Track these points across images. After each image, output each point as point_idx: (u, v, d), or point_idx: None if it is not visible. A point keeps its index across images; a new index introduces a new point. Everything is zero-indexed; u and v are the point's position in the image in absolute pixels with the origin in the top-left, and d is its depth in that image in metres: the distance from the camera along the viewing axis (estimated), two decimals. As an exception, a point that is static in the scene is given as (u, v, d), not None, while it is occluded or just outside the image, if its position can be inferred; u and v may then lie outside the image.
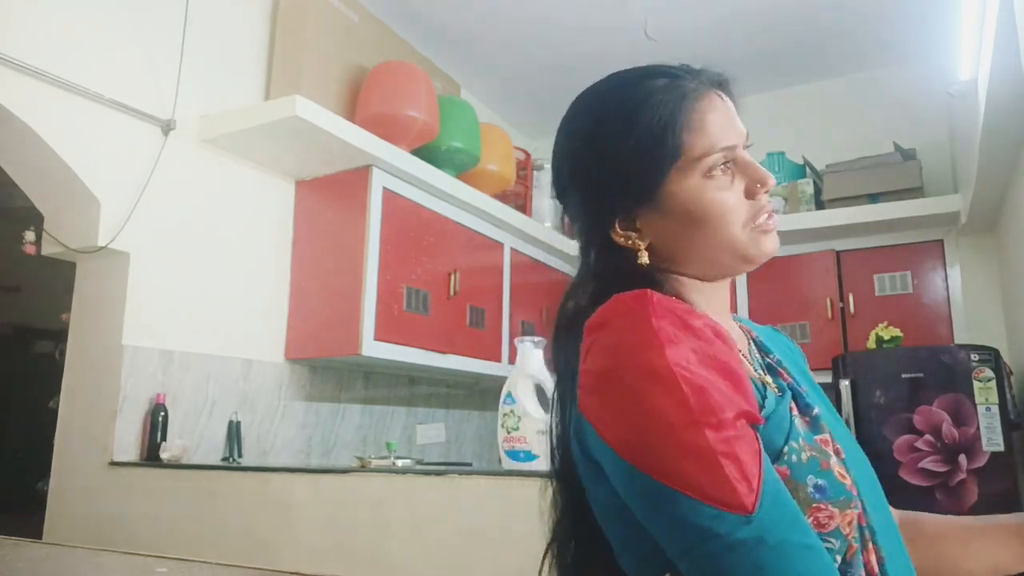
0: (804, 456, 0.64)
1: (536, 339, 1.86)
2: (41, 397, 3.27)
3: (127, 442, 2.21)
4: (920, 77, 3.59)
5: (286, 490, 1.96)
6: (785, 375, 0.76)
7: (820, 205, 3.51)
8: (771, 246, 0.74)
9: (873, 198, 3.35)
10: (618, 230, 0.74)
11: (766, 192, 0.74)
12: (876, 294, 3.38)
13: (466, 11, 3.27)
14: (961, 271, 3.28)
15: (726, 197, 0.72)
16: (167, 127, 2.37)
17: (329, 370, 2.90)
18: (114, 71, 2.25)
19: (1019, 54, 1.75)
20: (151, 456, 2.20)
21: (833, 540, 0.63)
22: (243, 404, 2.53)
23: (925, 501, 2.62)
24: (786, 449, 0.64)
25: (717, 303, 0.76)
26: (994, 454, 2.56)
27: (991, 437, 2.58)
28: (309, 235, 2.79)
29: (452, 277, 2.98)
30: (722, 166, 0.72)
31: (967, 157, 2.95)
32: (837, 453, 0.68)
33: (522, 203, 3.72)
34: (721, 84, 0.79)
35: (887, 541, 0.68)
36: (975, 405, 2.61)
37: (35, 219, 2.32)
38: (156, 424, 2.22)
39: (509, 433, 1.81)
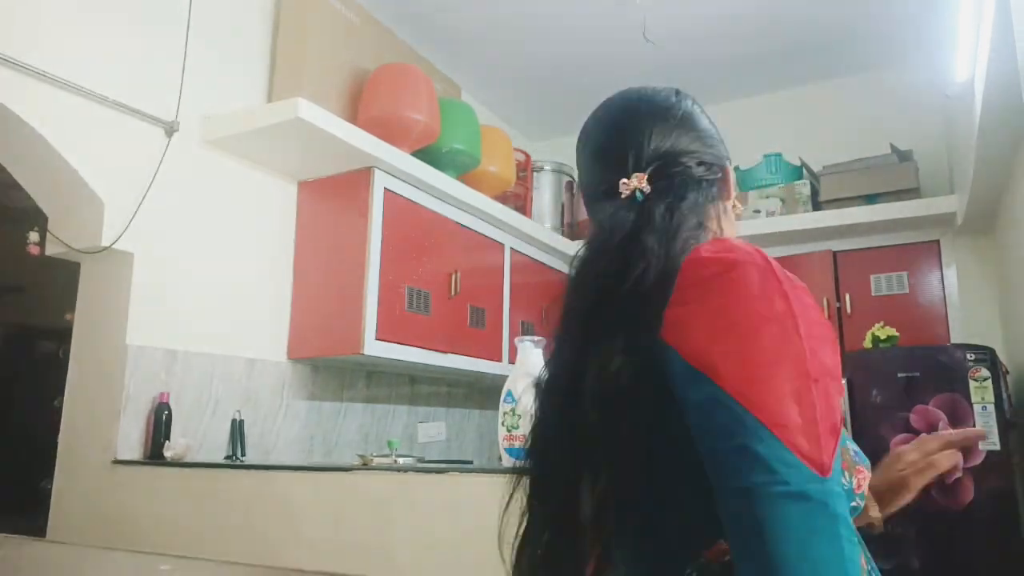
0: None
1: (536, 339, 1.88)
2: (45, 396, 3.29)
3: (131, 441, 2.22)
4: (916, 79, 3.60)
5: (288, 488, 1.98)
6: None
7: (817, 206, 3.53)
8: None
9: (870, 199, 3.37)
10: (731, 175, 0.85)
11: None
12: (873, 294, 3.39)
13: (467, 13, 3.29)
14: (957, 271, 3.30)
15: None
16: (170, 128, 2.38)
17: (331, 369, 2.92)
18: (118, 73, 2.26)
19: (1015, 56, 1.77)
20: (154, 455, 2.21)
21: (860, 500, 0.69)
22: (246, 403, 2.55)
23: (922, 500, 2.63)
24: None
25: None
26: (991, 453, 2.58)
27: (987, 436, 2.60)
28: (311, 236, 2.81)
29: (453, 277, 3.00)
30: None
31: (963, 158, 2.97)
32: None
33: (522, 204, 3.74)
34: None
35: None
36: (971, 404, 2.63)
37: (39, 220, 2.33)
38: (159, 423, 2.24)
39: (509, 431, 1.83)
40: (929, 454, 0.93)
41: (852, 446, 0.69)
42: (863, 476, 0.68)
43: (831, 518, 0.55)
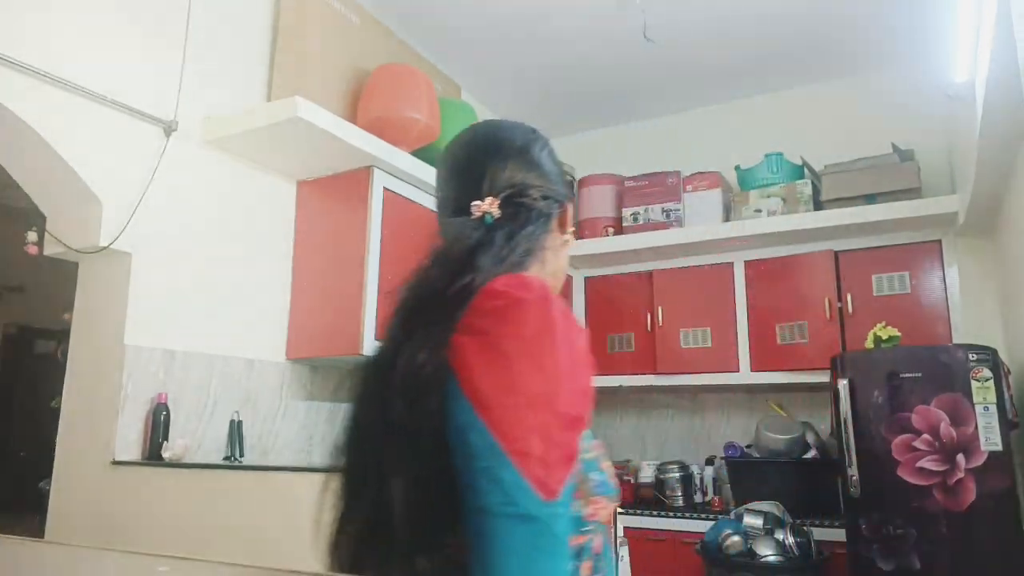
0: (592, 454, 0.76)
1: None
2: (43, 396, 3.29)
3: (129, 441, 2.22)
4: (918, 79, 3.60)
5: (287, 489, 1.97)
6: None
7: (818, 206, 3.52)
8: None
9: (871, 199, 3.36)
10: (567, 210, 0.93)
11: None
12: (874, 294, 3.39)
13: (467, 13, 3.28)
14: (959, 271, 3.29)
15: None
16: (169, 128, 2.38)
17: (330, 369, 2.91)
18: (117, 72, 2.26)
19: (1016, 55, 1.76)
20: (153, 455, 2.21)
21: (594, 527, 0.75)
22: (244, 403, 2.55)
23: (923, 500, 2.63)
24: (584, 446, 0.73)
25: None
26: (992, 453, 2.57)
27: (989, 436, 2.59)
28: (310, 235, 2.81)
29: (452, 277, 2.99)
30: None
31: (965, 158, 2.96)
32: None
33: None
34: None
35: (605, 528, 0.80)
36: (973, 404, 2.62)
37: (37, 219, 2.33)
38: (158, 423, 2.23)
39: (509, 432, 1.82)
40: None
41: (597, 478, 0.76)
42: (600, 506, 0.74)
43: (552, 538, 0.64)
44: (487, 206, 0.85)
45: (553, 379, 0.67)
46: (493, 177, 0.89)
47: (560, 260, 0.93)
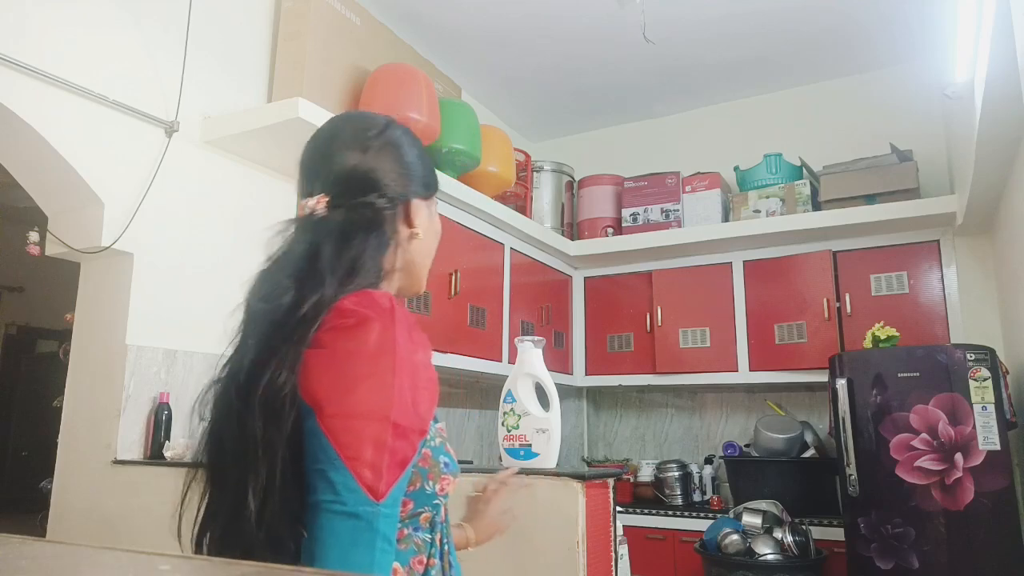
0: (438, 441, 0.85)
1: (536, 339, 1.88)
2: (45, 396, 3.29)
3: (130, 441, 2.23)
4: (916, 79, 3.61)
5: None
6: None
7: (817, 206, 3.53)
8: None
9: (869, 199, 3.37)
10: (412, 208, 0.92)
11: None
12: (872, 294, 3.40)
13: (467, 14, 3.29)
14: (957, 271, 3.30)
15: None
16: (170, 128, 2.39)
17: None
18: (117, 73, 2.27)
19: (1015, 56, 1.77)
20: (155, 455, 2.22)
21: (443, 500, 0.86)
22: (245, 403, 2.55)
23: (922, 499, 2.64)
24: (431, 434, 0.83)
25: None
26: (990, 452, 2.58)
27: (987, 436, 2.60)
28: (311, 236, 2.81)
29: (453, 277, 3.00)
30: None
31: (963, 158, 2.97)
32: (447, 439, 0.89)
33: (522, 204, 3.75)
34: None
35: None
36: (971, 404, 2.63)
37: (39, 220, 2.33)
38: (159, 423, 2.24)
39: (509, 431, 1.83)
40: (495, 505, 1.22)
41: (444, 458, 0.84)
42: (447, 482, 0.84)
43: (373, 534, 0.70)
44: (314, 203, 0.87)
45: (388, 393, 0.73)
46: (326, 172, 0.90)
47: (415, 258, 0.94)
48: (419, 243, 0.94)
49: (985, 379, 2.64)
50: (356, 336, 0.76)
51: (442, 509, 0.88)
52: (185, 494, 0.85)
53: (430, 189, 0.96)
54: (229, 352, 0.86)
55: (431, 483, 0.82)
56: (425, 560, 0.84)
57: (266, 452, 0.75)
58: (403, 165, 0.92)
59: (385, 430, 0.72)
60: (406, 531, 0.82)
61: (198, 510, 0.84)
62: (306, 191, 0.90)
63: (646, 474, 3.85)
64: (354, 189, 0.88)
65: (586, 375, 4.06)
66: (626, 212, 3.95)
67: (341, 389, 0.74)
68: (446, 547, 0.89)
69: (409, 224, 0.92)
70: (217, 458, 0.82)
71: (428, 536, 0.85)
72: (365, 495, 0.70)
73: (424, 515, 0.84)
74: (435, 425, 0.85)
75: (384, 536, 0.72)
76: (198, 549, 0.82)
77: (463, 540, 1.16)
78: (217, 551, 0.80)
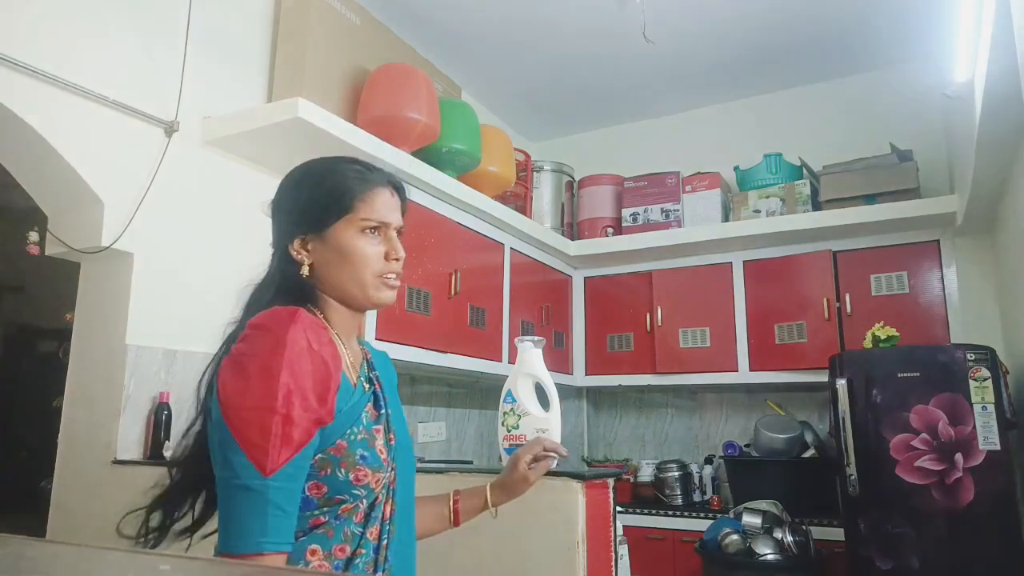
0: (359, 436, 0.97)
1: (536, 338, 1.88)
2: (45, 396, 3.29)
3: (130, 441, 2.23)
4: (916, 79, 3.61)
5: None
6: (377, 385, 1.08)
7: (817, 206, 3.53)
8: (386, 298, 1.08)
9: (869, 199, 3.37)
10: (295, 245, 1.08)
11: (397, 261, 1.08)
12: (872, 294, 3.40)
13: (467, 14, 3.29)
14: (957, 271, 3.30)
15: (368, 250, 1.06)
16: (170, 128, 2.39)
17: (330, 369, 2.92)
18: (117, 73, 2.27)
19: (1015, 56, 1.77)
20: (154, 454, 2.22)
21: (363, 490, 0.96)
22: (245, 403, 2.55)
23: (922, 499, 2.64)
24: (350, 430, 0.96)
25: (348, 326, 1.09)
26: (990, 452, 2.58)
27: (987, 436, 2.60)
28: (310, 236, 2.81)
29: (453, 277, 3.00)
30: (371, 230, 1.06)
31: (963, 158, 2.97)
32: (388, 440, 1.02)
33: (522, 204, 3.75)
34: (396, 186, 1.13)
35: (402, 500, 1.04)
36: (971, 404, 2.64)
37: (39, 220, 2.33)
38: (159, 423, 2.24)
39: (509, 431, 1.82)
40: (536, 456, 1.29)
41: (363, 452, 0.96)
42: (363, 474, 0.96)
43: (264, 503, 0.84)
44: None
45: (274, 387, 0.87)
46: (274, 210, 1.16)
47: (326, 280, 1.07)
48: (323, 270, 1.07)
49: (985, 379, 2.64)
50: (250, 343, 0.92)
51: (381, 507, 0.99)
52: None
53: (317, 224, 1.07)
54: None
55: (343, 471, 0.94)
56: (350, 550, 0.95)
57: (197, 439, 1.02)
58: (287, 211, 1.12)
59: (271, 417, 0.86)
60: (323, 519, 0.95)
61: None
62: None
63: (646, 474, 3.85)
64: (272, 234, 1.14)
65: (586, 375, 4.06)
66: (626, 212, 3.95)
67: (236, 384, 0.89)
68: (384, 542, 0.99)
69: (304, 248, 1.08)
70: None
71: (358, 529, 0.97)
72: (256, 470, 0.85)
73: (344, 505, 0.95)
74: (370, 426, 0.99)
75: (276, 505, 0.86)
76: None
77: (479, 505, 1.25)
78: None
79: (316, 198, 1.09)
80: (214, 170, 2.56)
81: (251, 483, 0.85)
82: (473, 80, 3.85)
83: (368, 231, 1.06)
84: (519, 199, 3.74)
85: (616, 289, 4.08)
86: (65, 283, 2.54)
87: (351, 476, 0.95)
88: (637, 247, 3.84)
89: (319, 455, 0.92)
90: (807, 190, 3.55)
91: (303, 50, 2.65)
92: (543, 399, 1.84)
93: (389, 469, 1.00)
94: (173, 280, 2.38)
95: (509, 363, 3.26)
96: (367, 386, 1.06)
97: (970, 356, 2.68)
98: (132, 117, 2.30)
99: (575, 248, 3.96)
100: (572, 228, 4.14)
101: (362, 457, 0.96)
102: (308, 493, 0.93)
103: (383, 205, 1.08)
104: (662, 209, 3.86)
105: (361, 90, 2.81)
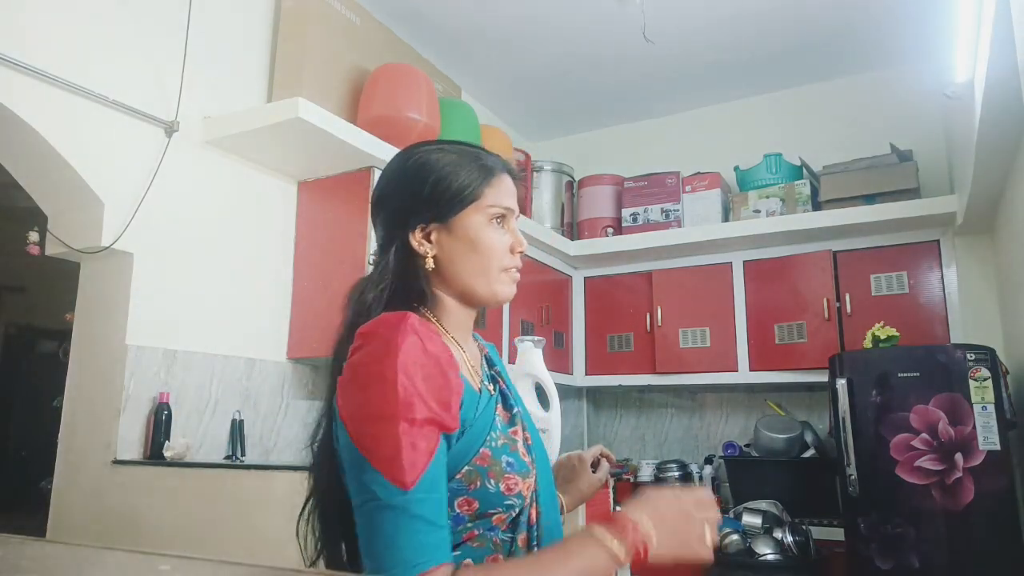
0: (499, 442, 0.90)
1: (536, 339, 1.88)
2: (45, 396, 3.29)
3: (130, 440, 2.23)
4: (916, 79, 3.61)
5: (289, 488, 1.98)
6: (501, 382, 1.02)
7: (817, 206, 3.53)
8: (509, 293, 1.01)
9: (869, 199, 3.37)
10: (417, 236, 0.98)
11: (521, 253, 1.01)
12: (872, 294, 3.40)
13: (467, 14, 3.29)
14: (957, 271, 3.30)
15: (497, 241, 0.99)
16: (170, 128, 2.39)
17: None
18: (118, 73, 2.27)
19: (1015, 56, 1.77)
20: (154, 454, 2.22)
21: (515, 499, 0.90)
22: (246, 403, 2.56)
23: (922, 500, 2.64)
24: (488, 437, 0.90)
25: (465, 324, 1.02)
26: (990, 452, 2.58)
27: (987, 436, 2.60)
28: (311, 235, 2.81)
29: (452, 277, 3.00)
30: (498, 219, 1.00)
31: (963, 158, 2.97)
32: (525, 440, 0.96)
33: (522, 204, 3.74)
34: (512, 172, 1.05)
35: (545, 501, 0.97)
36: (971, 404, 2.63)
37: (39, 220, 2.34)
38: (159, 423, 2.24)
39: (509, 431, 1.82)
40: (592, 476, 1.26)
41: (508, 458, 0.90)
42: (514, 482, 0.89)
43: (410, 518, 0.77)
44: (375, 235, 1.03)
45: (392, 394, 0.80)
46: (375, 208, 1.04)
47: (446, 274, 0.98)
48: (446, 262, 0.98)
49: (985, 379, 2.64)
50: (365, 351, 0.85)
51: (528, 511, 0.92)
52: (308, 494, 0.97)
53: (443, 212, 0.98)
54: None
55: (492, 482, 0.88)
56: (503, 559, 0.89)
57: (324, 466, 0.92)
58: (405, 199, 0.99)
59: (397, 426, 0.79)
60: (477, 531, 0.88)
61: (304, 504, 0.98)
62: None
63: (646, 474, 3.85)
64: (383, 227, 1.01)
65: (586, 375, 4.06)
66: (626, 212, 3.95)
67: (356, 399, 0.84)
68: (534, 546, 0.92)
69: (427, 238, 0.98)
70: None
71: (508, 536, 0.90)
72: (394, 487, 0.78)
73: (497, 516, 0.89)
74: (506, 430, 0.93)
75: (423, 519, 0.78)
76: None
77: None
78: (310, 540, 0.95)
79: (442, 184, 0.98)
80: (214, 170, 2.56)
81: (393, 501, 0.77)
82: (473, 80, 3.85)
83: (495, 220, 0.99)
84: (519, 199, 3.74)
85: (616, 289, 4.07)
86: (65, 283, 2.54)
87: (502, 486, 0.88)
88: (637, 247, 3.84)
89: (466, 467, 0.86)
90: (807, 190, 3.55)
91: (303, 50, 2.65)
92: (543, 399, 1.84)
93: (532, 471, 0.93)
94: (173, 280, 2.38)
95: (509, 363, 3.25)
96: (491, 387, 0.99)
97: (970, 356, 2.68)
98: (132, 117, 2.30)
99: (575, 248, 3.96)
100: (572, 228, 4.14)
101: (508, 464, 0.89)
102: (459, 510, 0.86)
103: (507, 191, 1.01)
104: (662, 209, 3.86)
105: (361, 90, 2.81)
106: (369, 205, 1.07)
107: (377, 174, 2.68)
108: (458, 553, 0.86)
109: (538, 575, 0.80)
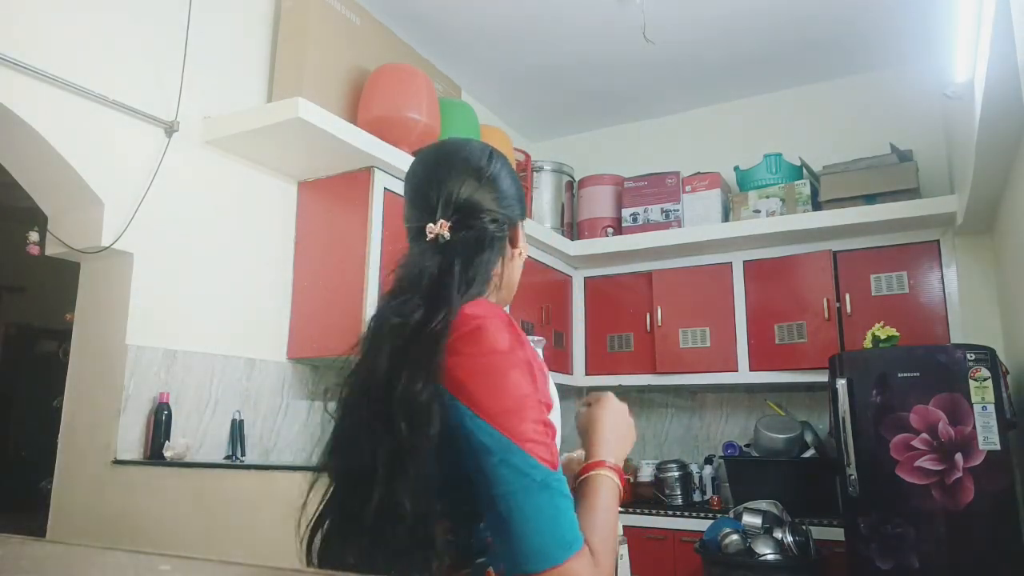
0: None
1: (536, 339, 1.88)
2: (45, 396, 3.29)
3: (130, 440, 2.23)
4: (917, 79, 3.61)
5: (289, 488, 1.98)
6: None
7: (817, 206, 3.53)
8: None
9: (869, 199, 3.37)
10: (520, 229, 1.05)
11: None
12: (872, 294, 3.39)
13: (467, 14, 3.29)
14: (957, 271, 3.29)
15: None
16: (170, 128, 2.39)
17: (332, 369, 2.92)
18: (118, 73, 2.27)
19: (1015, 56, 1.77)
20: (154, 454, 2.22)
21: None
22: (246, 403, 2.56)
23: (922, 500, 2.64)
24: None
25: None
26: (990, 452, 2.58)
27: (987, 436, 2.60)
28: (311, 236, 2.81)
29: (452, 277, 3.00)
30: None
31: (963, 158, 2.97)
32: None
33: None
34: None
35: None
36: (971, 404, 2.63)
37: (39, 220, 2.34)
38: (159, 423, 2.24)
39: (509, 431, 1.82)
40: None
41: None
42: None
43: (563, 497, 0.81)
44: (439, 228, 0.96)
45: (528, 380, 0.84)
46: (446, 199, 0.98)
47: (514, 274, 1.06)
48: (518, 260, 1.06)
49: (985, 379, 2.64)
50: (484, 339, 0.85)
51: None
52: (308, 495, 0.93)
53: (525, 213, 1.08)
54: (358, 362, 0.92)
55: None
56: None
57: (414, 455, 0.82)
58: (508, 192, 1.03)
59: (537, 410, 0.83)
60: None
61: (317, 511, 0.91)
62: (426, 216, 0.98)
63: (646, 474, 3.85)
64: (473, 215, 0.98)
65: (586, 375, 4.06)
66: (626, 212, 3.95)
67: (493, 387, 0.83)
68: None
69: (514, 244, 1.04)
70: (354, 462, 0.87)
71: None
72: (546, 468, 0.80)
73: None
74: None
75: (568, 497, 0.82)
76: (310, 547, 0.90)
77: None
78: (341, 549, 0.87)
79: (519, 186, 1.07)
80: (214, 170, 2.56)
81: (549, 481, 0.79)
82: (473, 80, 3.85)
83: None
84: (519, 199, 3.74)
85: (616, 289, 4.07)
86: (65, 283, 2.54)
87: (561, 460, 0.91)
88: (637, 247, 3.84)
89: None
90: (807, 190, 3.55)
91: (303, 50, 2.65)
92: (543, 399, 1.84)
93: None
94: (173, 280, 2.38)
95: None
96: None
97: (970, 356, 2.68)
98: (132, 117, 2.30)
99: (575, 248, 3.96)
100: (572, 228, 4.14)
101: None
102: None
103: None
104: (662, 209, 3.86)
105: (361, 90, 2.82)
106: (427, 183, 1.00)
107: (377, 174, 2.70)
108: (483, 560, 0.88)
109: (606, 516, 0.88)
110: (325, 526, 0.90)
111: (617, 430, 1.01)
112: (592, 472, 0.93)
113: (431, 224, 0.96)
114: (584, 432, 1.01)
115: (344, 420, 0.92)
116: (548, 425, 0.84)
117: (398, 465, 0.82)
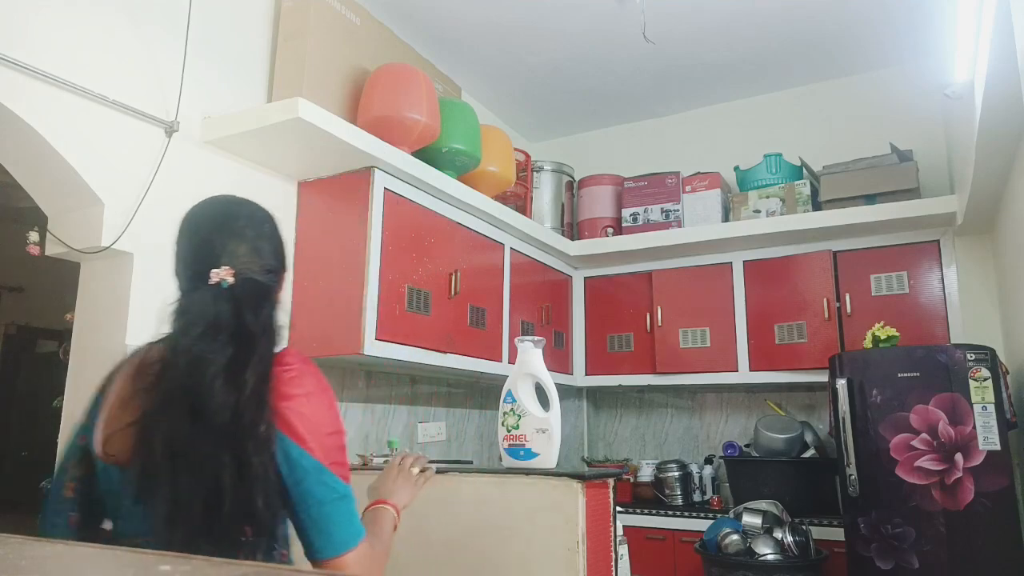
0: None
1: (536, 339, 1.88)
2: (45, 396, 3.29)
3: (131, 441, 2.22)
4: (916, 79, 3.61)
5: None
6: None
7: (817, 206, 3.53)
8: None
9: (870, 199, 3.37)
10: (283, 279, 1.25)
11: None
12: (873, 294, 3.40)
13: (467, 14, 3.29)
14: (957, 271, 3.30)
15: None
16: (170, 128, 2.38)
17: (331, 369, 2.92)
18: (117, 73, 2.27)
19: (1015, 55, 1.77)
20: (155, 455, 2.21)
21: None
22: (245, 403, 2.55)
23: (922, 499, 2.64)
24: None
25: None
26: (990, 452, 2.58)
27: (987, 436, 2.60)
28: (311, 236, 2.81)
29: (453, 277, 3.00)
30: None
31: (963, 158, 2.97)
32: None
33: (522, 204, 3.75)
34: None
35: None
36: (971, 404, 2.63)
37: (39, 220, 2.33)
38: (159, 423, 2.24)
39: (509, 431, 1.83)
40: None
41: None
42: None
43: (355, 503, 1.11)
44: (224, 274, 1.10)
45: (337, 415, 1.12)
46: (232, 249, 1.14)
47: (282, 317, 1.21)
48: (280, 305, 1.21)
49: (985, 379, 2.64)
50: (303, 383, 1.09)
51: None
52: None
53: (286, 265, 1.25)
54: (168, 380, 1.06)
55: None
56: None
57: (260, 477, 1.02)
58: (280, 246, 1.21)
59: (342, 439, 1.11)
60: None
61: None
62: (212, 262, 1.12)
63: (646, 474, 3.85)
64: (257, 264, 1.14)
65: (586, 375, 4.06)
66: (626, 212, 3.95)
67: (315, 423, 1.07)
68: None
69: (280, 291, 1.21)
70: (196, 470, 1.02)
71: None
72: (346, 484, 1.09)
73: None
74: None
75: (355, 500, 1.12)
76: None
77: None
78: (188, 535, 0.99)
79: (281, 241, 1.29)
80: (214, 170, 2.56)
81: (348, 493, 1.09)
82: (473, 80, 3.85)
83: None
84: (519, 199, 3.74)
85: (616, 289, 4.08)
86: (65, 283, 2.54)
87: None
88: (637, 247, 3.84)
89: None
90: (807, 190, 3.55)
91: (303, 50, 2.65)
92: (543, 399, 1.84)
93: None
94: (173, 280, 2.38)
95: (509, 363, 3.26)
96: None
97: (970, 356, 2.68)
98: (132, 117, 2.30)
99: (575, 248, 3.96)
100: (572, 228, 4.14)
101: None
102: None
103: None
104: (662, 209, 3.87)
105: (361, 90, 2.81)
106: (215, 233, 1.19)
107: (377, 174, 2.70)
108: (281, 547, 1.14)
109: (381, 531, 1.25)
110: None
111: (397, 482, 1.40)
112: (378, 505, 1.32)
113: (216, 270, 1.10)
114: (376, 485, 1.39)
115: (188, 439, 1.02)
116: (344, 449, 1.11)
117: (245, 479, 1.01)
